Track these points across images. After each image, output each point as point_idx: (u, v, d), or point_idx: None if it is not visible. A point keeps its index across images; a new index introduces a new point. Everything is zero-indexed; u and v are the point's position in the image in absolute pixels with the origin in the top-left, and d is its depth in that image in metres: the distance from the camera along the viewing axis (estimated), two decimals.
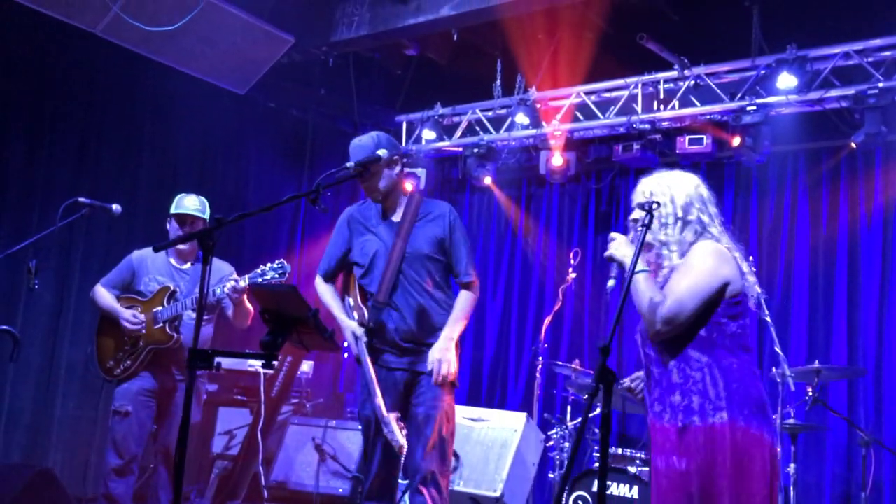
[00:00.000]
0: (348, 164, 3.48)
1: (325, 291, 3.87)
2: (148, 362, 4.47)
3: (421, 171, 7.87)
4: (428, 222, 3.73)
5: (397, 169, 3.72)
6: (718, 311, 2.67)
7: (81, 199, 4.43)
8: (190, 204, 4.60)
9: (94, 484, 6.09)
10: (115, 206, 4.46)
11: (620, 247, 2.76)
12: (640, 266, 2.67)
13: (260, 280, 4.18)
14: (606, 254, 2.77)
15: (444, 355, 3.61)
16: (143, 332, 4.47)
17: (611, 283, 2.69)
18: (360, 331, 3.65)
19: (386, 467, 3.67)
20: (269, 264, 4.23)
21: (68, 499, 4.66)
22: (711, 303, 2.66)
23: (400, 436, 3.52)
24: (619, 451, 5.31)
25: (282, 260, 4.19)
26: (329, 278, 3.88)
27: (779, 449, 2.68)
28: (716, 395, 2.61)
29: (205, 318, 4.58)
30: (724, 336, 2.67)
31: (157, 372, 4.50)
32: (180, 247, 4.59)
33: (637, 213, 2.83)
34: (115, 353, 4.53)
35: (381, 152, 3.60)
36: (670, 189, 2.82)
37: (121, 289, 4.64)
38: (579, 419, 5.78)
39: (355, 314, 3.71)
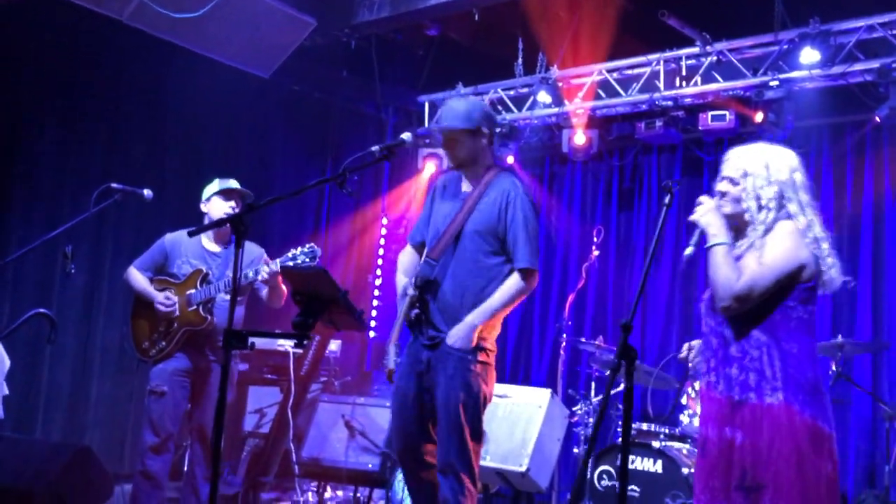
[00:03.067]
0: (373, 149, 3.53)
1: (402, 258, 3.82)
2: (182, 343, 4.59)
3: (443, 152, 7.91)
4: (490, 197, 3.58)
5: (482, 141, 3.60)
6: (790, 294, 2.65)
7: (114, 185, 4.54)
8: (234, 184, 4.72)
9: (129, 461, 6.29)
10: (147, 192, 4.58)
11: (707, 213, 2.72)
12: (721, 238, 2.67)
13: (291, 263, 4.27)
14: (692, 217, 2.72)
15: (458, 342, 3.47)
16: (177, 314, 4.58)
17: (689, 249, 2.68)
18: (411, 289, 3.57)
19: (412, 438, 3.58)
20: (299, 248, 4.31)
21: (107, 475, 4.81)
22: (784, 284, 2.64)
23: (391, 361, 3.53)
24: (644, 426, 5.39)
25: (312, 244, 4.25)
26: (417, 247, 3.78)
27: (833, 434, 2.65)
28: (772, 376, 2.61)
29: (237, 299, 4.69)
30: (788, 319, 2.65)
31: (192, 353, 4.62)
32: (219, 229, 4.68)
33: (725, 185, 2.80)
34: (150, 334, 4.65)
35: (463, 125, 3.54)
36: (767, 169, 2.77)
37: (153, 271, 4.75)
38: (602, 395, 5.87)
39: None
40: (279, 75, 7.35)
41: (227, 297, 4.65)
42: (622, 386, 5.83)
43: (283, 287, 4.62)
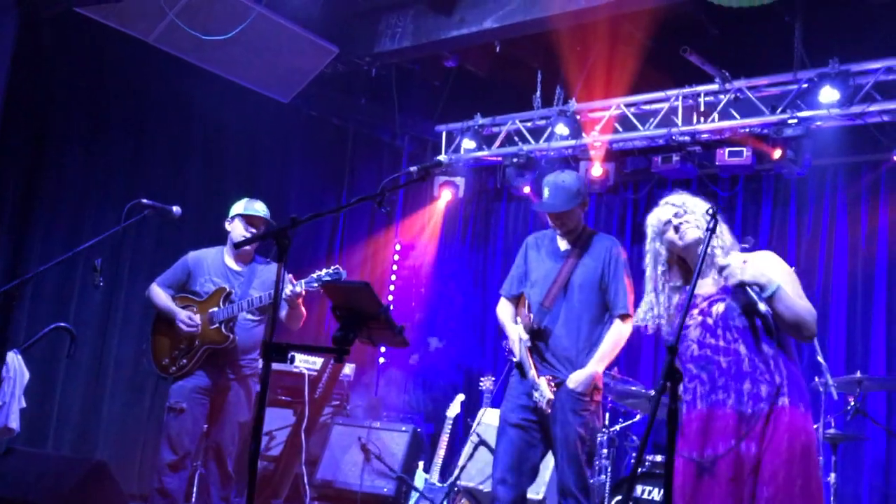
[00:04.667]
0: (411, 169, 3.58)
1: (503, 310, 4.18)
2: (203, 361, 4.59)
3: (459, 180, 8.00)
4: (592, 255, 4.00)
5: (585, 208, 4.10)
6: None
7: (144, 201, 4.58)
8: (260, 208, 4.76)
9: (139, 481, 6.25)
10: (176, 209, 4.59)
11: (749, 267, 2.79)
12: (775, 281, 2.77)
13: (316, 285, 4.29)
14: (737, 280, 2.77)
15: (580, 387, 3.85)
16: (199, 332, 4.58)
17: (763, 307, 2.74)
18: (524, 335, 3.95)
19: (513, 472, 3.88)
20: (324, 269, 4.34)
21: (121, 494, 4.77)
22: None
23: (547, 392, 3.80)
24: (658, 458, 5.37)
25: (337, 266, 4.31)
26: (512, 299, 4.17)
27: None
28: (780, 383, 2.81)
29: (256, 318, 4.72)
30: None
31: (212, 371, 4.62)
32: (244, 248, 4.70)
33: (676, 219, 2.97)
34: (171, 351, 4.65)
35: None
36: (695, 202, 3.04)
37: (176, 288, 4.76)
38: (617, 425, 5.86)
39: (520, 321, 4.04)
40: (299, 100, 7.44)
41: (249, 315, 4.68)
42: (638, 416, 5.82)
43: (303, 310, 4.63)
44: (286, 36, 6.75)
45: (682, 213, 3.01)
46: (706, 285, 2.99)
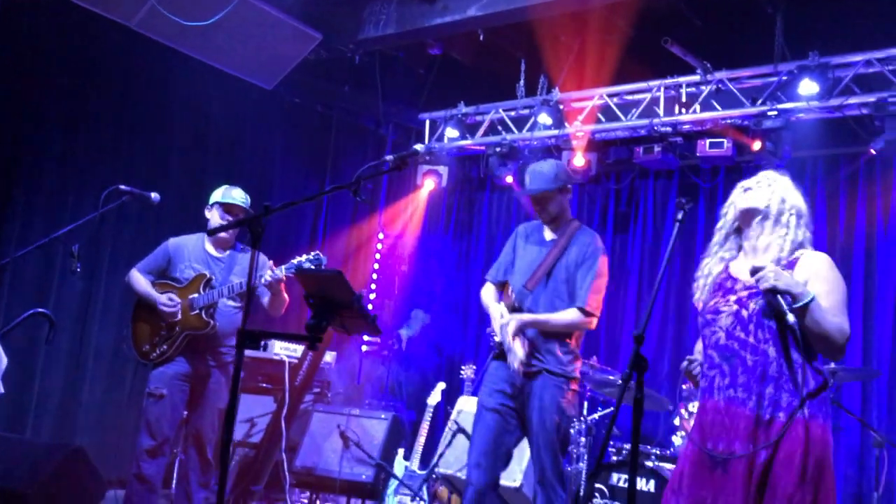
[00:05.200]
0: (387, 158, 3.58)
1: (487, 293, 4.20)
2: (184, 347, 4.59)
3: (443, 169, 8.01)
4: (576, 246, 4.02)
5: (567, 196, 4.12)
6: None
7: (122, 188, 4.57)
8: (238, 196, 4.74)
9: (118, 467, 6.25)
10: (154, 195, 4.60)
11: (781, 276, 2.66)
12: (809, 291, 2.64)
13: (296, 270, 4.29)
14: (768, 285, 2.65)
15: (512, 326, 3.85)
16: (180, 317, 4.58)
17: (791, 317, 2.64)
18: (506, 313, 3.95)
19: (488, 457, 3.89)
20: (304, 255, 4.35)
21: (100, 478, 4.78)
22: None
23: (520, 352, 3.83)
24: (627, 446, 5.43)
25: (317, 252, 4.32)
26: (498, 285, 4.19)
27: None
28: (803, 395, 2.66)
29: (237, 304, 4.72)
30: None
31: (192, 357, 4.62)
32: (222, 235, 4.70)
33: (753, 183, 2.87)
34: (152, 337, 4.65)
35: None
36: (791, 190, 2.90)
37: (156, 274, 4.75)
38: (595, 414, 5.90)
39: (503, 303, 4.06)
40: (282, 87, 7.42)
41: (230, 302, 4.68)
42: (611, 409, 5.85)
43: (286, 296, 4.63)
44: (269, 22, 6.72)
45: (761, 182, 2.89)
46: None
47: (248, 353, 6.37)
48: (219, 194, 4.77)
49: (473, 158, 8.21)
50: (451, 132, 7.79)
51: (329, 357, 6.49)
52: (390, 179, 8.45)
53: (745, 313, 2.76)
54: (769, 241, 2.82)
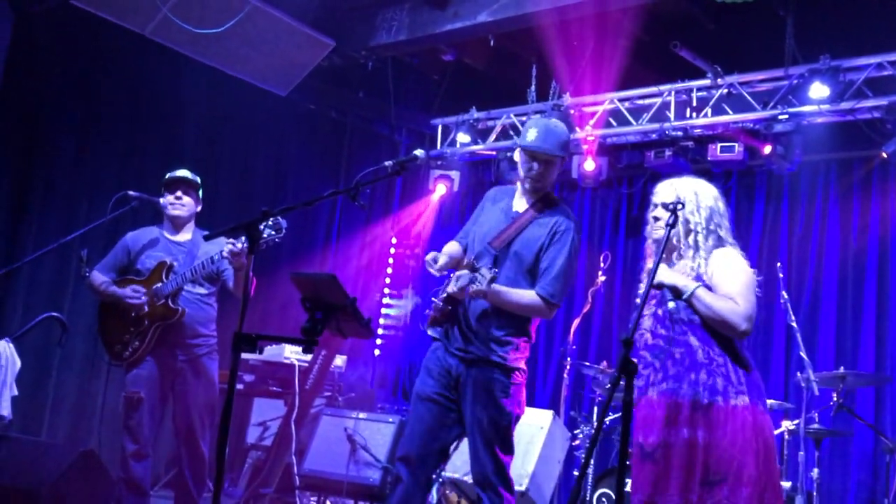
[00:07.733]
0: (386, 163, 3.58)
1: (451, 245, 3.73)
2: (155, 342, 4.44)
3: (455, 174, 8.03)
4: (544, 223, 3.54)
5: (560, 169, 3.67)
6: None
7: (131, 193, 4.63)
8: (181, 172, 4.62)
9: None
10: (162, 200, 4.65)
11: (667, 274, 3.00)
12: (693, 283, 2.94)
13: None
14: (656, 282, 2.96)
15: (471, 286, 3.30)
16: (147, 310, 4.44)
17: (671, 304, 2.99)
18: (463, 270, 3.42)
19: (419, 452, 3.48)
20: (263, 223, 4.04)
21: (110, 479, 4.86)
22: None
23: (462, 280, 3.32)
24: None
25: (276, 217, 3.88)
26: (465, 249, 3.69)
27: None
28: (737, 380, 2.88)
29: (206, 290, 4.59)
30: None
31: (163, 354, 4.48)
32: (174, 212, 4.60)
33: (660, 212, 3.00)
34: (122, 336, 4.50)
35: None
36: (697, 196, 3.07)
37: (118, 272, 4.62)
38: (607, 418, 5.89)
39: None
40: (296, 93, 7.48)
41: (198, 289, 4.55)
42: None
43: (251, 275, 4.41)
44: (282, 29, 6.79)
45: (655, 208, 3.12)
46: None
47: (259, 357, 6.43)
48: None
49: (485, 163, 8.22)
50: (462, 137, 7.81)
51: (340, 361, 6.53)
52: (403, 184, 8.50)
53: (660, 312, 3.03)
54: (684, 257, 3.07)
